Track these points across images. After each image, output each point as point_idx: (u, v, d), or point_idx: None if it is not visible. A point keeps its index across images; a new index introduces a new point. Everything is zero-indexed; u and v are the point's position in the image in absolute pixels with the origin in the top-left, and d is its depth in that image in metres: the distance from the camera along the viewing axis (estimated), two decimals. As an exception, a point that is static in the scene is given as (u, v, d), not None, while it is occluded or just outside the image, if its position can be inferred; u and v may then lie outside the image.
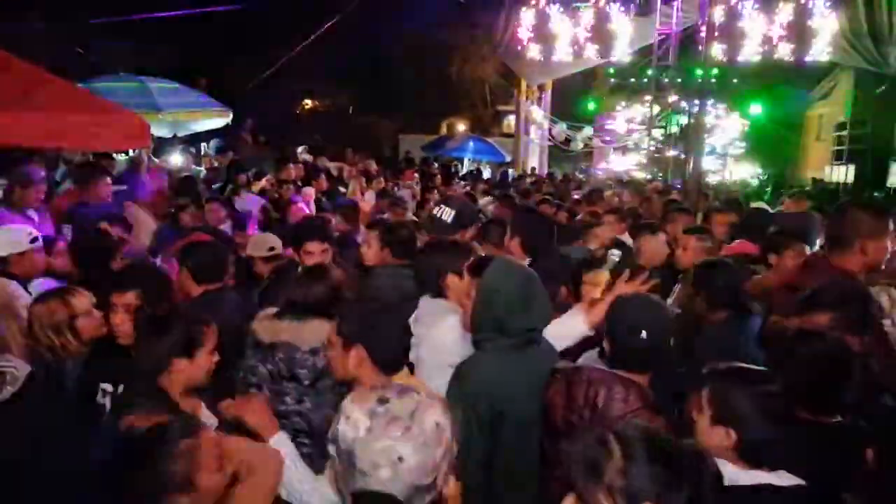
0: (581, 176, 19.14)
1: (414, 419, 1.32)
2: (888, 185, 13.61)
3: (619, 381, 2.21)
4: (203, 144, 13.03)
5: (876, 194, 13.11)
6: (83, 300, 2.93)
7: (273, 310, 2.90)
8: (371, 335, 2.27)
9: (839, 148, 16.89)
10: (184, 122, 10.42)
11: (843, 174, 16.08)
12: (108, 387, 2.66)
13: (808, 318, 2.45)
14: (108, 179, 6.62)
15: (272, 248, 4.38)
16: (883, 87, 14.30)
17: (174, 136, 11.01)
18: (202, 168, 11.25)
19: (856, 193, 12.77)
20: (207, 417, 2.43)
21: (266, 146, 16.14)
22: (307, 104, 27.80)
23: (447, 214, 3.55)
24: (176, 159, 11.14)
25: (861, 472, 2.01)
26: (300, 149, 12.26)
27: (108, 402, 2.64)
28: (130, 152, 9.55)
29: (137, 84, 9.77)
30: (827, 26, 13.35)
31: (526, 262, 3.78)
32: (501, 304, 2.40)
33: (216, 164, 11.09)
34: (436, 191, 9.83)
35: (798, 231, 4.22)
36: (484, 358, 2.43)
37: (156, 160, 10.07)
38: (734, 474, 1.84)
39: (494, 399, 2.27)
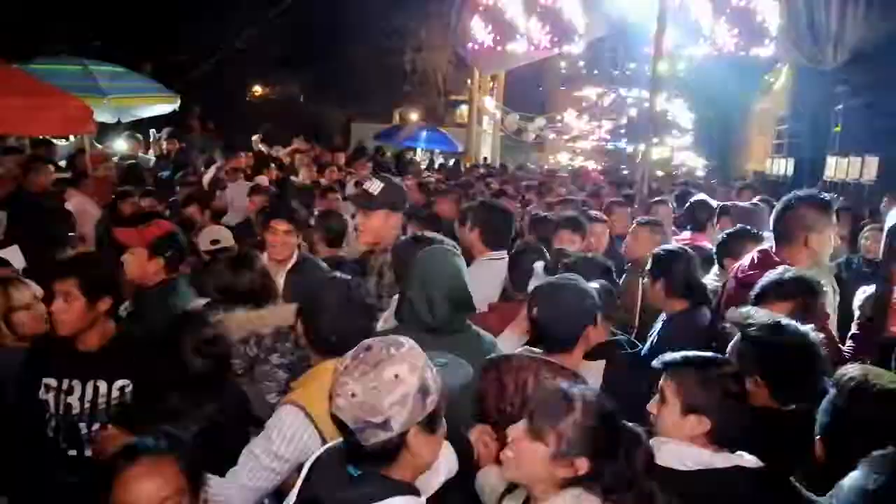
0: (533, 167, 19.31)
1: (376, 367, 1.54)
2: (825, 177, 14.14)
3: (547, 365, 2.25)
4: (153, 131, 12.63)
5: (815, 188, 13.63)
6: (24, 292, 2.80)
7: (202, 302, 2.94)
8: (314, 316, 2.29)
9: (779, 142, 17.50)
10: (129, 108, 10.10)
11: (782, 167, 16.66)
12: (52, 381, 2.57)
13: (767, 308, 2.53)
14: (50, 167, 6.37)
15: (216, 241, 4.33)
16: (820, 84, 14.83)
17: (118, 122, 10.66)
18: (151, 155, 10.92)
19: (796, 186, 13.26)
20: None
21: (215, 133, 15.77)
22: (257, 91, 27.23)
23: (375, 187, 3.47)
24: (121, 146, 10.78)
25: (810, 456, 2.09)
26: (255, 137, 12.01)
27: (51, 397, 2.55)
28: (72, 138, 9.21)
29: (79, 67, 9.41)
30: (772, 21, 13.80)
31: (487, 254, 3.80)
32: (426, 288, 2.51)
33: (165, 152, 10.77)
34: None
35: (748, 223, 4.32)
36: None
37: (98, 146, 9.73)
38: (709, 457, 1.90)
39: None
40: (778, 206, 3.20)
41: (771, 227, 3.21)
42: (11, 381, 2.64)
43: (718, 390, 1.94)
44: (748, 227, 3.91)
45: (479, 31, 15.04)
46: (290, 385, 2.32)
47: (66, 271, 2.56)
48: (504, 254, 3.73)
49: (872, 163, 11.66)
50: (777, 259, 3.01)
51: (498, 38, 14.96)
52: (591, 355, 2.45)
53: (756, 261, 3.19)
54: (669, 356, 2.07)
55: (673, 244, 3.90)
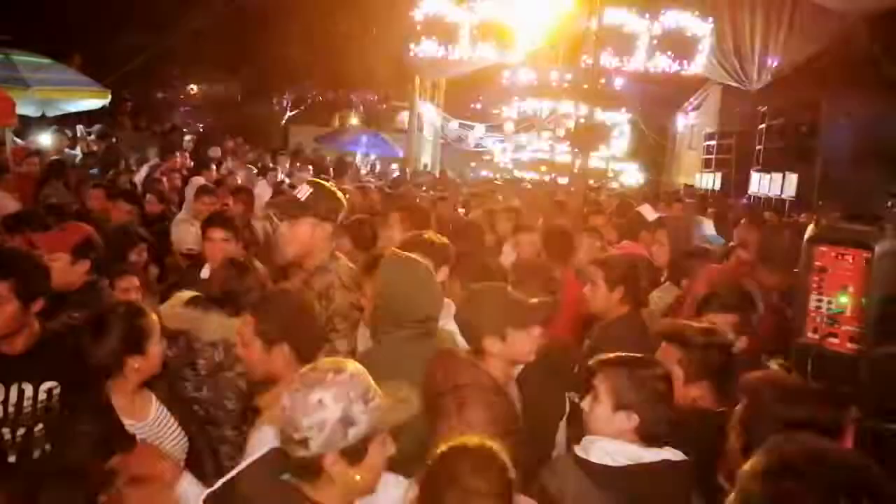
0: (471, 175, 19.49)
1: (307, 388, 1.61)
2: (749, 192, 14.82)
3: (467, 361, 2.33)
4: (80, 127, 12.11)
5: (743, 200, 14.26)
6: None
7: (186, 295, 2.87)
8: (296, 333, 2.23)
9: (708, 157, 18.24)
10: (55, 101, 9.66)
11: (710, 181, 17.37)
12: None
13: (710, 318, 2.67)
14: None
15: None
16: (746, 103, 15.57)
17: (42, 116, 10.18)
18: (77, 151, 10.46)
19: (721, 199, 13.81)
20: (158, 409, 2.44)
21: (147, 131, 15.26)
22: (192, 90, 26.52)
23: (303, 193, 3.07)
24: (45, 140, 10.30)
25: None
26: (188, 137, 11.67)
27: None
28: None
29: (1, 56, 8.95)
30: (704, 42, 14.43)
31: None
32: (397, 297, 2.48)
33: (94, 148, 10.34)
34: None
35: (681, 234, 4.52)
36: (378, 350, 2.52)
37: (19, 141, 9.28)
38: (637, 452, 1.99)
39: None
40: (768, 232, 3.40)
41: (758, 249, 3.38)
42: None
43: (648, 389, 2.02)
44: (702, 247, 4.10)
45: (423, 38, 15.13)
46: (260, 404, 2.23)
47: (1, 273, 2.40)
48: None
49: (792, 179, 12.29)
50: (758, 278, 3.20)
51: (440, 45, 15.08)
52: None
53: (729, 272, 3.38)
54: (604, 356, 2.15)
55: (624, 253, 3.99)
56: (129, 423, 2.35)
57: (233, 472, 1.77)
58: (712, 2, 14.70)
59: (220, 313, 2.78)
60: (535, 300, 2.48)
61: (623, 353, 2.15)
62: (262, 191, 8.37)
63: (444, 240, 3.27)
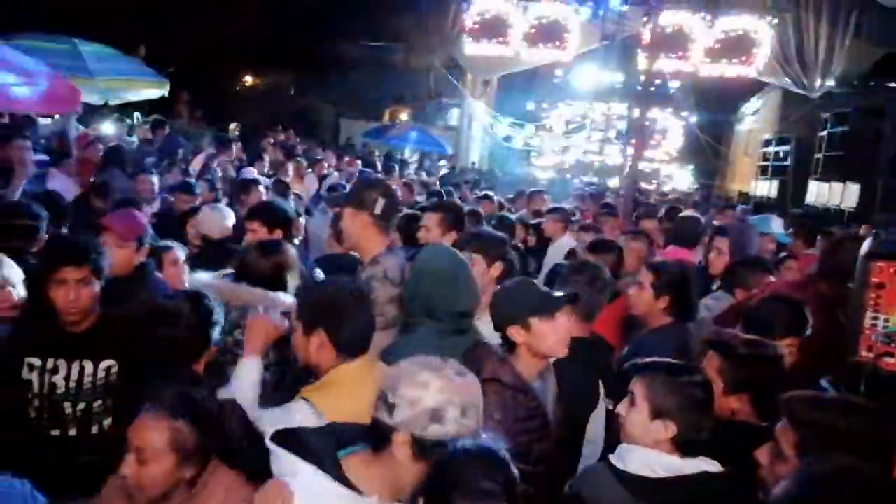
0: (521, 174, 19.41)
1: (427, 367, 1.67)
2: (806, 202, 14.35)
3: (495, 356, 2.33)
4: (137, 114, 12.49)
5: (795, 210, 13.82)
6: None
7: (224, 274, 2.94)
8: (333, 321, 2.18)
9: (764, 163, 17.72)
10: (117, 90, 9.97)
11: (766, 189, 16.87)
12: (37, 361, 2.53)
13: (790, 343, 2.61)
14: (28, 143, 6.23)
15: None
16: (806, 109, 15.07)
17: (105, 104, 10.52)
18: (134, 139, 10.79)
19: (779, 209, 13.42)
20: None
21: (203, 121, 15.65)
22: (247, 81, 27.06)
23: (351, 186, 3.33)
24: (107, 128, 10.65)
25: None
26: (232, 125, 11.90)
27: (35, 377, 2.52)
28: (57, 117, 9.09)
29: (68, 45, 9.26)
30: (764, 45, 14.01)
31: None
32: (429, 287, 2.52)
33: (150, 136, 10.64)
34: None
35: (742, 242, 4.40)
36: (408, 340, 2.53)
37: (82, 127, 9.61)
38: (677, 463, 1.95)
39: None
40: (827, 244, 3.31)
41: (819, 263, 3.34)
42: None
43: (685, 396, 1.98)
44: (761, 259, 4.00)
45: (475, 37, 15.10)
46: (302, 393, 2.20)
47: (83, 257, 2.54)
48: None
49: (853, 189, 11.84)
50: (820, 292, 3.14)
51: (493, 43, 15.03)
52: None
53: (797, 286, 3.30)
54: (643, 361, 2.12)
55: (672, 260, 3.86)
56: None
57: (298, 426, 1.80)
58: (775, 4, 14.27)
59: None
60: (561, 293, 2.46)
61: (662, 359, 2.10)
62: (310, 183, 8.49)
63: (502, 235, 3.27)
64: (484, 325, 2.63)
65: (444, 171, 15.38)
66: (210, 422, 1.97)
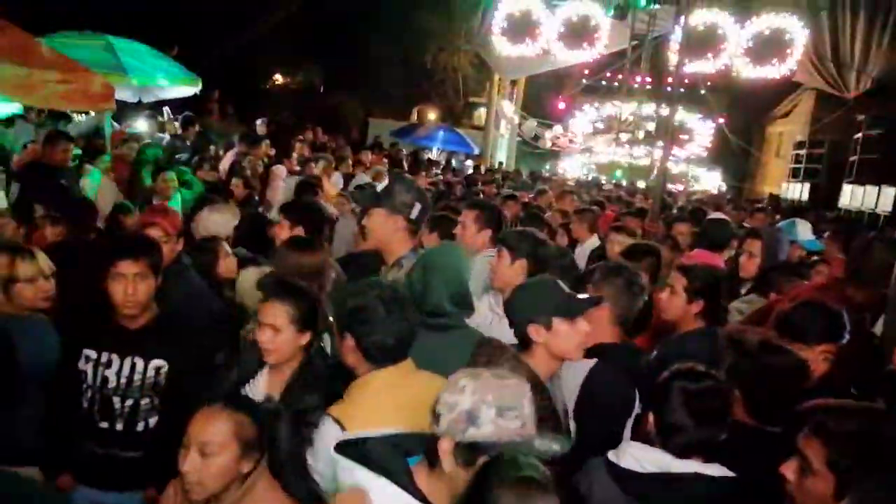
0: (547, 174, 19.32)
1: (464, 372, 1.73)
2: (839, 205, 14.06)
3: (508, 353, 2.30)
4: (166, 109, 12.66)
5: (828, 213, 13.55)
6: (30, 266, 2.79)
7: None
8: (357, 326, 2.16)
9: (796, 166, 17.40)
10: (151, 88, 10.14)
11: (798, 192, 16.57)
12: (93, 353, 2.59)
13: (824, 349, 2.57)
14: (69, 143, 6.39)
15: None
16: (841, 111, 14.77)
17: (139, 102, 10.71)
18: (165, 135, 10.96)
19: (811, 212, 13.17)
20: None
21: (233, 119, 15.84)
22: (277, 79, 27.32)
23: (381, 186, 3.31)
24: (141, 125, 10.84)
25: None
26: (258, 121, 11.96)
27: (89, 368, 2.58)
28: (91, 114, 9.26)
29: (103, 43, 9.43)
30: (797, 45, 13.76)
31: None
32: (417, 283, 2.58)
33: (179, 132, 10.80)
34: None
35: (775, 246, 4.33)
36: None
37: (117, 125, 9.79)
38: (665, 460, 1.94)
39: None
40: (856, 246, 3.26)
41: (847, 265, 3.28)
42: (26, 345, 2.65)
43: (678, 398, 1.97)
44: (796, 263, 3.93)
45: (503, 37, 15.06)
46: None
47: (141, 252, 2.61)
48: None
49: (889, 193, 11.57)
50: (846, 294, 3.09)
51: (521, 43, 14.98)
52: (591, 352, 2.45)
53: (823, 288, 3.24)
54: (674, 367, 2.11)
55: (709, 265, 3.78)
56: (253, 395, 2.42)
57: (362, 434, 1.83)
58: (810, 3, 14.00)
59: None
60: (585, 295, 2.43)
61: (686, 365, 2.08)
62: (337, 181, 8.54)
63: (534, 232, 3.26)
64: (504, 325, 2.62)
65: (469, 171, 15.35)
66: (263, 418, 2.00)
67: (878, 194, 12.01)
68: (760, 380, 2.24)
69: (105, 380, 2.58)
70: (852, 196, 13.43)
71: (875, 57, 13.22)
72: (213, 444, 1.87)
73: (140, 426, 2.61)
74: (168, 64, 10.46)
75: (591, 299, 2.42)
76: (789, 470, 1.79)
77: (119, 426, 2.60)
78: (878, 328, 3.37)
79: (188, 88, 10.58)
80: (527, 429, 1.66)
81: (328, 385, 2.38)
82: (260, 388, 2.45)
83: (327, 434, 2.03)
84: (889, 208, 11.48)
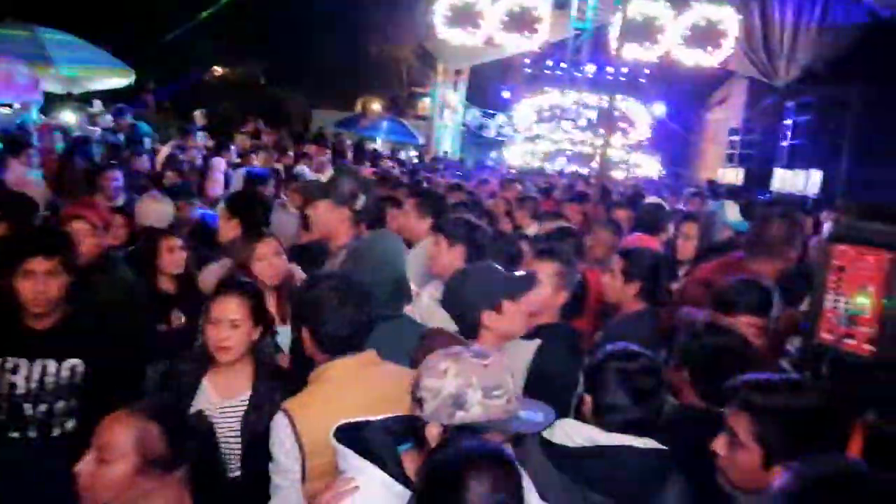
0: (493, 164, 19.43)
1: (443, 355, 1.68)
2: (772, 188, 14.61)
3: (457, 341, 2.26)
4: (97, 102, 12.18)
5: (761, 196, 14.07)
6: None
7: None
8: (311, 318, 2.13)
9: (731, 151, 18.00)
10: (80, 79, 9.75)
11: (733, 176, 17.15)
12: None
13: (730, 318, 2.62)
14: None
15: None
16: (772, 98, 15.33)
17: (68, 94, 10.28)
18: (97, 129, 10.55)
19: (748, 196, 13.64)
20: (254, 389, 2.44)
21: (170, 111, 15.36)
22: (216, 71, 26.60)
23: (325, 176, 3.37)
24: (68, 117, 10.39)
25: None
26: (197, 113, 11.63)
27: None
28: (16, 106, 8.84)
29: (27, 33, 9.02)
30: (731, 34, 14.19)
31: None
32: (358, 272, 2.59)
33: (112, 125, 10.41)
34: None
35: (706, 229, 4.44)
36: None
37: (43, 117, 9.37)
38: (592, 434, 1.96)
39: None
40: (758, 220, 3.31)
41: (746, 239, 3.32)
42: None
43: (608, 374, 2.00)
44: (730, 243, 4.02)
45: (447, 26, 15.05)
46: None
47: (53, 248, 2.45)
48: None
49: (816, 177, 12.09)
50: (749, 269, 3.13)
51: (464, 32, 14.99)
52: (533, 334, 2.47)
53: (725, 265, 3.29)
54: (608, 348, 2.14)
55: (647, 247, 3.85)
56: (207, 398, 2.36)
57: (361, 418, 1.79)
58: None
59: None
60: (522, 272, 2.48)
61: (619, 345, 2.12)
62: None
63: (471, 219, 3.27)
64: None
65: (414, 161, 15.33)
66: (183, 434, 1.81)
67: (807, 178, 12.53)
68: (707, 361, 2.29)
69: (13, 386, 2.42)
70: (783, 180, 13.98)
71: (802, 46, 13.75)
72: (110, 450, 1.71)
73: (56, 432, 2.46)
74: (99, 55, 10.07)
75: (531, 277, 2.46)
76: (719, 445, 1.84)
77: (32, 433, 2.44)
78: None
79: (121, 80, 10.22)
80: (512, 403, 1.66)
81: (292, 378, 2.37)
82: (210, 397, 2.37)
83: (278, 426, 2.00)
84: (817, 190, 11.99)
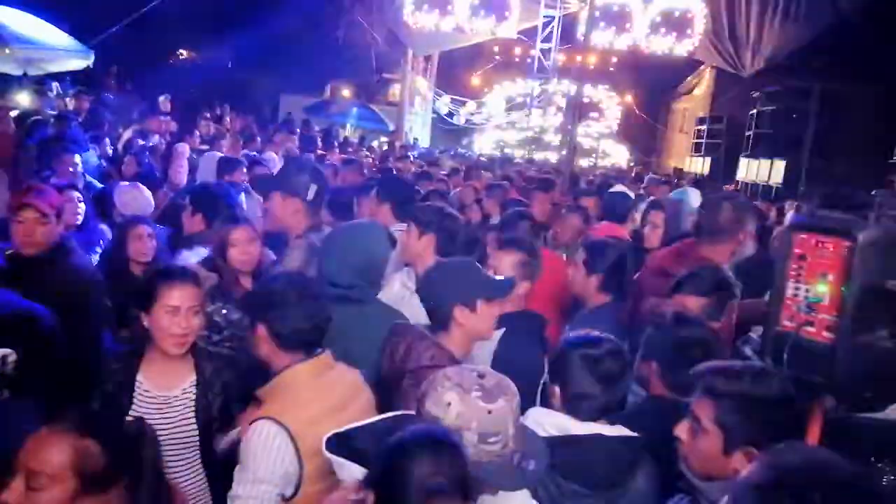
0: (462, 150, 19.38)
1: (452, 384, 1.64)
2: (737, 177, 14.84)
3: (424, 340, 2.29)
4: (56, 84, 11.80)
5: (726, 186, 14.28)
6: None
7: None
8: (271, 315, 2.09)
9: (698, 141, 18.23)
10: (36, 60, 9.42)
11: (700, 166, 17.39)
12: None
13: (679, 300, 2.63)
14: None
15: None
16: (738, 88, 15.54)
17: (24, 75, 9.93)
18: (55, 112, 10.24)
19: (714, 185, 13.83)
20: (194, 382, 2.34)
21: (133, 94, 14.97)
22: (182, 54, 26.03)
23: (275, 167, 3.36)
24: (23, 99, 10.05)
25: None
26: (162, 98, 11.34)
27: None
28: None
29: (-22, 11, 8.69)
30: (698, 23, 14.31)
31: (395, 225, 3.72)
32: (330, 255, 2.63)
33: (71, 108, 10.10)
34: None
35: (672, 217, 4.46)
36: None
37: (-1, 99, 9.07)
38: (565, 423, 1.97)
39: None
40: (705, 205, 3.33)
41: (696, 225, 3.34)
42: None
43: (575, 362, 2.01)
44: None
45: (415, 12, 14.89)
46: (257, 394, 2.11)
47: None
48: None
49: (780, 166, 12.31)
50: (701, 254, 3.13)
51: (433, 18, 14.86)
52: (497, 323, 2.46)
53: (677, 251, 3.30)
54: (571, 335, 2.16)
55: (608, 238, 3.84)
56: (143, 389, 2.29)
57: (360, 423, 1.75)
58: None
59: None
60: (501, 277, 2.48)
61: (579, 332, 2.13)
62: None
63: (440, 206, 3.24)
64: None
65: (384, 148, 15.20)
66: (124, 446, 1.63)
67: (771, 167, 12.75)
68: (675, 352, 2.30)
69: None
70: (748, 169, 14.20)
71: (767, 37, 13.92)
72: (42, 475, 1.51)
73: None
74: (56, 35, 9.74)
75: (511, 281, 2.47)
76: (682, 430, 1.85)
77: None
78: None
79: (79, 62, 9.91)
80: (508, 448, 1.64)
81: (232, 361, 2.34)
82: (151, 393, 2.29)
83: (270, 438, 1.92)
84: (780, 180, 12.21)
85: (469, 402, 1.61)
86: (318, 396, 2.03)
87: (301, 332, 2.08)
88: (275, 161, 8.00)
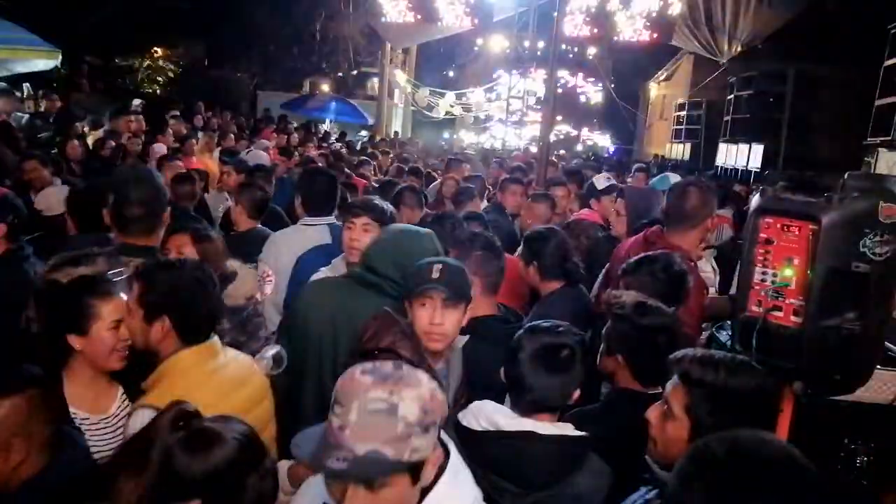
0: (443, 144, 19.31)
1: (405, 383, 1.48)
2: (717, 163, 14.88)
3: (396, 326, 2.21)
4: (26, 86, 11.56)
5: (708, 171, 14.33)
6: None
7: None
8: (180, 307, 2.06)
9: (678, 127, 18.28)
10: (3, 61, 9.21)
11: (680, 151, 17.43)
12: None
13: (626, 281, 2.59)
14: None
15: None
16: (716, 73, 15.59)
17: (-11, 76, 9.72)
18: (24, 114, 10.03)
19: (689, 172, 13.87)
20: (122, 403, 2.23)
21: (106, 95, 14.75)
22: (157, 52, 25.67)
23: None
24: (-8, 102, 9.83)
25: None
26: (136, 101, 11.19)
27: None
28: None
29: (-59, 12, 8.46)
30: (676, 10, 14.29)
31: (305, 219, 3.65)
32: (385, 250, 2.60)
33: (42, 109, 9.89)
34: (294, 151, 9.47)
35: (642, 205, 4.40)
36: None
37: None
38: (495, 418, 1.92)
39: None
40: (671, 191, 3.28)
41: (664, 211, 3.30)
42: None
43: (549, 358, 1.96)
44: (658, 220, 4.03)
45: (392, 5, 14.76)
46: (143, 385, 2.04)
47: None
48: (323, 220, 3.58)
49: (758, 150, 12.35)
50: (668, 240, 3.09)
51: (411, 11, 14.73)
52: (466, 329, 2.40)
53: (643, 239, 3.26)
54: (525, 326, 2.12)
55: (542, 228, 3.77)
56: (81, 416, 2.14)
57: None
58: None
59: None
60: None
61: (532, 323, 2.10)
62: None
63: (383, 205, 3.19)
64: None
65: (363, 141, 15.10)
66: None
67: (749, 151, 12.79)
68: (639, 342, 2.25)
69: None
70: (727, 154, 14.25)
71: (743, 22, 13.95)
72: None
73: None
74: (21, 34, 9.51)
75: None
76: (653, 414, 1.83)
77: None
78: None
79: (46, 61, 9.67)
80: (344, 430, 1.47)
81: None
82: (80, 415, 2.15)
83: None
84: (759, 164, 12.25)
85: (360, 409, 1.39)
86: (200, 383, 1.99)
87: (205, 325, 2.10)
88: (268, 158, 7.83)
